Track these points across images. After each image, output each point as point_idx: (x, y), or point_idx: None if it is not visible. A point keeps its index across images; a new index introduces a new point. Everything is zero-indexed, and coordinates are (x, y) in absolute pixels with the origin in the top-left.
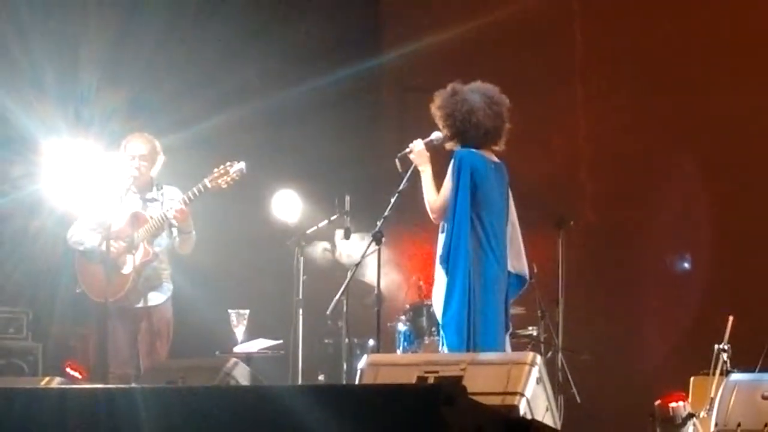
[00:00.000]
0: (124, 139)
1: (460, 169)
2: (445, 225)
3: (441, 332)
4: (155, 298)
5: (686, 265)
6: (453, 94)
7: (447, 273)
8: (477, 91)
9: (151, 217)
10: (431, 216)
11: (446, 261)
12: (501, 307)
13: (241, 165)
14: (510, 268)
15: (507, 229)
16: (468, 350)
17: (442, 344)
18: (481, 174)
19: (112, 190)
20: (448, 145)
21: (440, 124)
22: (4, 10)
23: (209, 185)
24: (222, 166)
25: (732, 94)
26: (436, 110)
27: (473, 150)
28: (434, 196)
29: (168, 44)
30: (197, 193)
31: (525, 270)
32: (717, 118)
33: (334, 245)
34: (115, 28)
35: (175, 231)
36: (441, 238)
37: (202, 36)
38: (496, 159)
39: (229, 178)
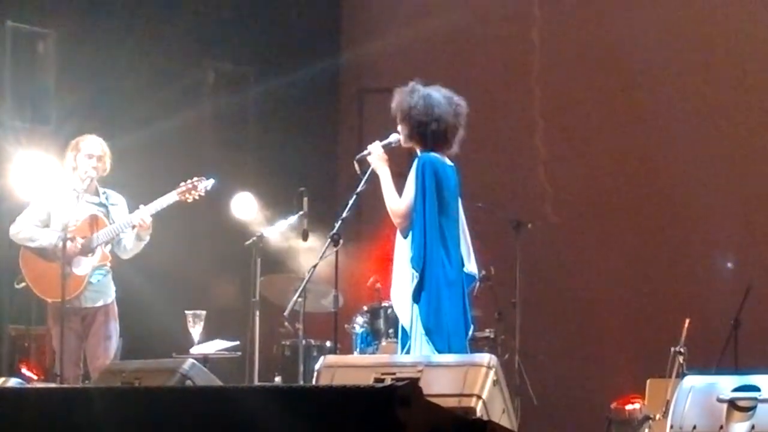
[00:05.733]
0: (74, 140)
1: (425, 174)
2: (410, 229)
3: (422, 337)
4: (104, 300)
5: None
6: (412, 91)
7: (422, 278)
8: (436, 90)
9: (111, 223)
10: (395, 221)
11: (419, 266)
12: (461, 310)
13: (210, 182)
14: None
15: (459, 230)
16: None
17: (404, 348)
18: (442, 177)
19: (67, 190)
20: (406, 145)
21: (400, 120)
22: None
23: (177, 197)
24: (190, 181)
25: (696, 95)
26: (396, 107)
27: (433, 154)
28: (396, 200)
29: (125, 43)
30: (165, 206)
31: (475, 269)
32: (676, 120)
33: (291, 247)
34: (72, 27)
35: (122, 236)
36: (403, 242)
37: (159, 35)
38: (449, 162)
39: (196, 194)
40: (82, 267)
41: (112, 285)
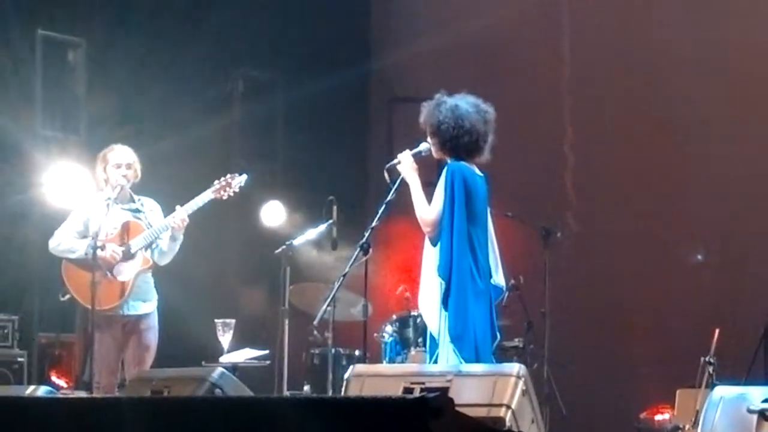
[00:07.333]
0: (101, 153)
1: (454, 182)
2: (439, 238)
3: (448, 345)
4: (146, 308)
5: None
6: (439, 105)
7: (449, 287)
8: (463, 99)
9: (148, 226)
10: (425, 229)
11: (446, 274)
12: (488, 320)
13: (243, 177)
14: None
15: (488, 240)
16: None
17: (433, 356)
18: (471, 186)
19: (98, 199)
20: (437, 155)
21: (430, 135)
22: None
23: (212, 196)
24: (224, 178)
25: (719, 106)
26: (424, 122)
27: (463, 162)
28: (426, 209)
29: (155, 52)
30: (200, 205)
31: (502, 281)
32: (707, 127)
33: (321, 255)
34: (102, 36)
35: (158, 241)
36: (431, 250)
37: (188, 44)
38: (479, 171)
39: (231, 190)
40: (125, 273)
41: (154, 292)
